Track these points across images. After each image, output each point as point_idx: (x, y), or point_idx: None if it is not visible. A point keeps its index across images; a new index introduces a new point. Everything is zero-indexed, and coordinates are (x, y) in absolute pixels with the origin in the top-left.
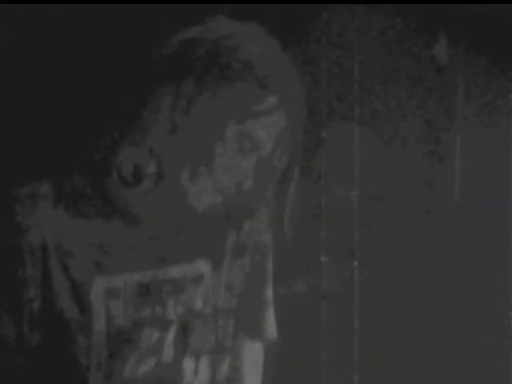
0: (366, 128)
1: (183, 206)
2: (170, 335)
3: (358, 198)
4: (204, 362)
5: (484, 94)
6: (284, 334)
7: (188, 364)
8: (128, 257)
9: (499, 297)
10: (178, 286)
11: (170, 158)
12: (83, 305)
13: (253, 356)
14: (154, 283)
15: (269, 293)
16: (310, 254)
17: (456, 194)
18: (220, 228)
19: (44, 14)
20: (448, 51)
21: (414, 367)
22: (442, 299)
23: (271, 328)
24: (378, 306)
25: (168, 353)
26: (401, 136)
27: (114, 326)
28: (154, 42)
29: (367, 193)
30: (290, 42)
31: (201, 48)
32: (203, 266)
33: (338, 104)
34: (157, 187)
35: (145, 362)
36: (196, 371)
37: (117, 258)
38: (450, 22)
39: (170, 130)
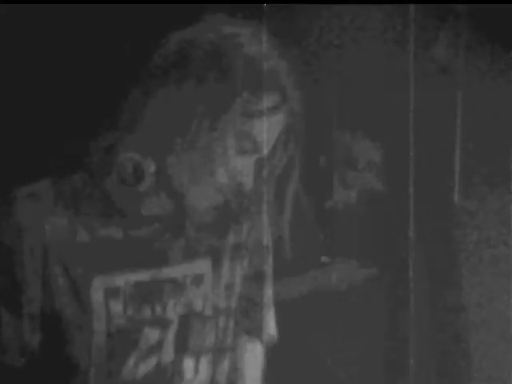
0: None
1: (183, 206)
2: (170, 335)
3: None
4: (204, 362)
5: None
6: (284, 333)
7: (188, 364)
8: (128, 256)
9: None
10: (178, 286)
11: (170, 158)
12: (83, 304)
13: (253, 356)
14: (154, 283)
15: (269, 293)
16: (309, 254)
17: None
18: (220, 228)
19: (44, 14)
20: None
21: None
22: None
23: (271, 328)
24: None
25: (168, 353)
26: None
27: (113, 326)
28: (153, 43)
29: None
30: (290, 41)
31: (201, 48)
32: (203, 266)
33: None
34: (157, 187)
35: (145, 362)
36: (196, 371)
37: (117, 258)
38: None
39: (171, 130)
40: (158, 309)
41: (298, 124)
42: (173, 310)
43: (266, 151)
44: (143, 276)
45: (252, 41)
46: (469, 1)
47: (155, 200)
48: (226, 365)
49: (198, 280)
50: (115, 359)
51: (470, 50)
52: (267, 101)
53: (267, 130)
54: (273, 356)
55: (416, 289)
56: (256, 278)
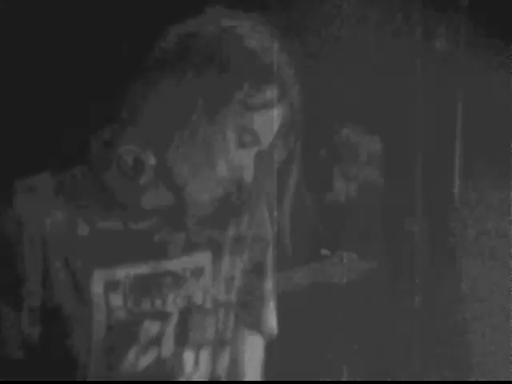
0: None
1: (183, 198)
2: (170, 328)
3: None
4: (204, 355)
5: None
6: (284, 326)
7: (188, 357)
8: (128, 249)
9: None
10: (178, 279)
11: (169, 151)
12: (83, 297)
13: (253, 349)
14: (154, 276)
15: (269, 286)
16: (310, 247)
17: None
18: (220, 221)
19: (43, 8)
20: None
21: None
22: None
23: (271, 320)
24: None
25: (168, 345)
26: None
27: (113, 319)
28: (153, 36)
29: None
30: (291, 33)
31: (201, 41)
32: (203, 259)
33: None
34: (157, 180)
35: (145, 355)
36: (196, 364)
37: (117, 251)
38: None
39: (171, 123)
40: (158, 302)
41: (298, 117)
42: (173, 303)
43: (266, 144)
44: (143, 269)
45: (252, 33)
46: None
47: (155, 193)
48: (225, 357)
49: (197, 273)
50: (115, 352)
51: (470, 43)
52: (267, 94)
53: (267, 123)
54: (273, 349)
55: (416, 281)
56: (256, 270)
